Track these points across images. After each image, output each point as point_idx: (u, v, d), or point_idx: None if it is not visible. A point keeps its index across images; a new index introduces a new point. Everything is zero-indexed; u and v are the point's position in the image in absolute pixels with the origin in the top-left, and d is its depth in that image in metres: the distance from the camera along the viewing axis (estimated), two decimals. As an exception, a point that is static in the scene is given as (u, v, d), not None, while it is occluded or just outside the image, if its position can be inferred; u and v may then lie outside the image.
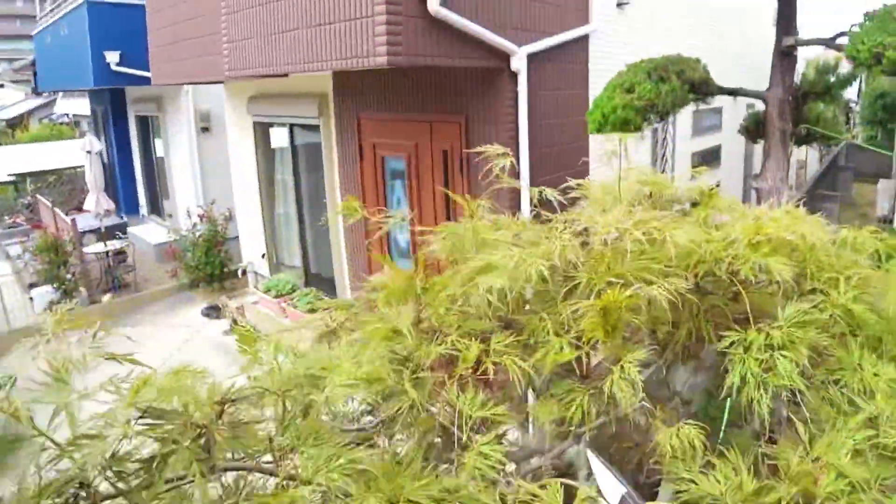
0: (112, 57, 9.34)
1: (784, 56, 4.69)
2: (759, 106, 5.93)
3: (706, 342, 1.33)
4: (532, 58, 5.01)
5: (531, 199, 2.15)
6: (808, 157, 13.85)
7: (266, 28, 4.97)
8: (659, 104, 4.10)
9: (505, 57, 4.84)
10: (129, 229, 11.75)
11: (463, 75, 5.07)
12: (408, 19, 3.98)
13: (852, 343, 1.24)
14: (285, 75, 5.71)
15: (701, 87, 4.52)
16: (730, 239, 1.27)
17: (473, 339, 1.17)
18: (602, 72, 5.55)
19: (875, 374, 1.13)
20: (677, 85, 4.16)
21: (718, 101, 9.91)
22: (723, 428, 1.34)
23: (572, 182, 1.45)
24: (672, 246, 1.16)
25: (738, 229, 1.28)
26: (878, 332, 1.28)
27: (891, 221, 9.19)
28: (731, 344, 1.16)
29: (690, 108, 8.56)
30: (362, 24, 4.00)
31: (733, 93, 5.06)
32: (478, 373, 1.15)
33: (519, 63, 4.88)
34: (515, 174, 4.54)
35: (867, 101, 13.33)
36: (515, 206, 4.78)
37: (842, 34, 4.17)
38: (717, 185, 1.68)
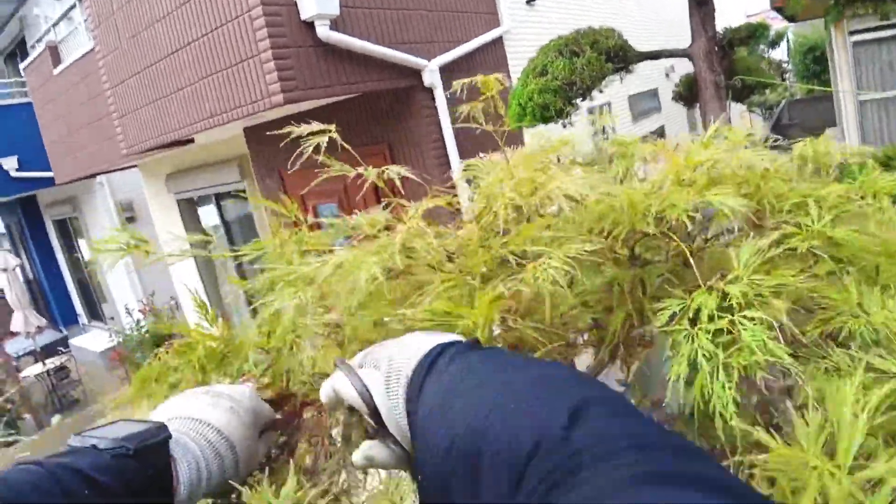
0: (9, 163, 8.71)
1: (700, 4, 4.50)
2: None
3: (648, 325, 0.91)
4: (445, 69, 4.74)
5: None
6: (754, 125, 14.15)
7: (154, 93, 4.56)
8: (577, 80, 3.82)
9: (416, 74, 4.55)
10: (71, 341, 10.99)
11: (378, 100, 4.74)
12: (298, 51, 3.63)
13: (848, 283, 0.84)
14: (190, 140, 5.29)
15: (619, 56, 4.28)
16: (656, 184, 0.89)
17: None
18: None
19: (888, 313, 0.77)
20: (592, 56, 3.91)
21: (653, 81, 10.00)
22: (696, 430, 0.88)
23: (463, 163, 1.02)
24: (564, 204, 0.80)
25: (663, 169, 0.91)
26: (873, 260, 0.92)
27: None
28: (672, 317, 0.73)
29: (625, 93, 8.52)
30: (250, 65, 3.64)
31: (655, 56, 4.87)
32: None
33: (432, 77, 4.59)
34: (452, 189, 4.22)
35: (798, 57, 13.78)
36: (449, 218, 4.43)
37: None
38: (650, 135, 1.20)
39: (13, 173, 8.87)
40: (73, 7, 6.44)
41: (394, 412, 0.54)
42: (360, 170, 0.97)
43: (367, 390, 0.56)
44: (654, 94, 10.06)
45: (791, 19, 4.04)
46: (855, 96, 5.22)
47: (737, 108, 10.31)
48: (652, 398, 1.27)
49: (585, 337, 0.97)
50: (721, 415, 0.65)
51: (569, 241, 0.78)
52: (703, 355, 0.68)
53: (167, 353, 0.85)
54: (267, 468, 0.71)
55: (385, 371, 0.57)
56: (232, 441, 0.63)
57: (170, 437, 0.58)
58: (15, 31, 10.54)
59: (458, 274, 0.78)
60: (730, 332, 0.70)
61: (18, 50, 10.60)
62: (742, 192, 0.87)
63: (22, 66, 7.87)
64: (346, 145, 0.87)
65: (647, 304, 0.86)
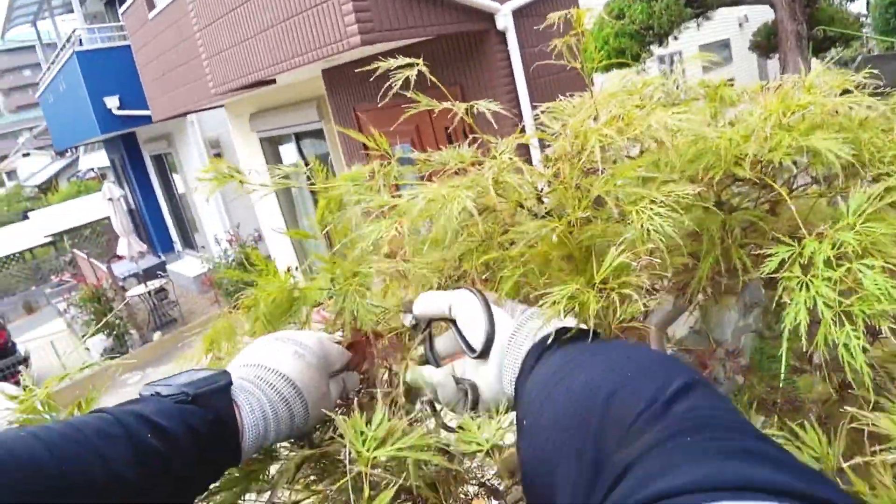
0: (112, 102, 9.41)
1: (788, -49, 4.19)
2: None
3: (742, 272, 0.86)
4: (518, 13, 4.68)
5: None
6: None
7: (239, 35, 4.81)
8: (654, 24, 3.70)
9: (489, 17, 4.53)
10: (168, 266, 11.98)
11: (450, 44, 4.78)
12: (374, -7, 3.73)
13: None
14: (273, 81, 5.56)
15: (698, 1, 4.08)
16: (752, 127, 0.80)
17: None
18: (598, 12, 5.16)
19: None
20: (671, 1, 3.75)
21: (725, 32, 9.34)
22: (782, 379, 0.85)
23: (543, 106, 0.94)
24: (665, 141, 0.73)
25: (758, 114, 0.83)
26: None
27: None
28: (782, 264, 0.69)
29: (697, 42, 8.02)
30: (329, 6, 3.78)
31: (735, 2, 4.58)
32: None
33: (505, 21, 4.56)
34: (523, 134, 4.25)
35: (878, 11, 12.33)
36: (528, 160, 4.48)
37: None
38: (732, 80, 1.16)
39: (115, 111, 9.57)
40: (165, -50, 6.75)
41: (506, 368, 0.56)
42: (447, 104, 0.93)
43: (493, 331, 0.56)
44: (726, 44, 9.41)
45: None
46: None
47: (814, 64, 9.45)
48: (726, 347, 1.24)
49: (665, 283, 0.94)
50: (850, 364, 0.60)
51: (667, 184, 0.73)
52: (825, 303, 0.64)
53: (234, 309, 0.85)
54: (356, 400, 0.73)
55: (518, 322, 0.57)
56: (298, 386, 0.62)
57: (230, 383, 0.58)
58: (113, -26, 11.10)
59: (552, 218, 0.74)
60: (843, 281, 0.65)
61: (117, -7, 11.21)
62: (842, 140, 0.80)
63: (120, 10, 8.38)
64: (433, 79, 0.83)
65: (735, 252, 0.83)
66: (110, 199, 9.76)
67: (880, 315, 0.61)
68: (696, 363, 1.32)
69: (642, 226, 0.66)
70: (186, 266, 12.02)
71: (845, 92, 1.05)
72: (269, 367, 0.62)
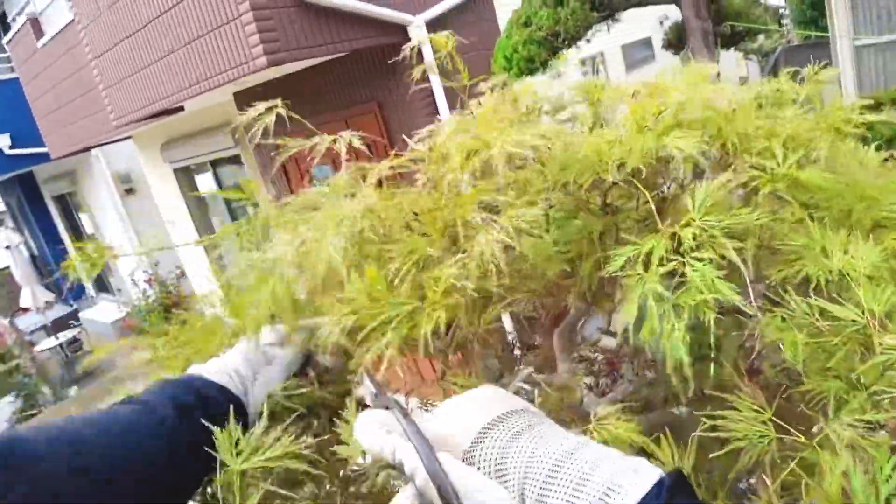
0: (2, 141, 8.67)
1: (687, -52, 4.38)
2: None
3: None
4: (432, 24, 4.64)
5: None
6: (750, 72, 13.82)
7: (138, 62, 4.50)
8: (561, 30, 3.75)
9: (402, 30, 4.46)
10: (81, 314, 11.16)
11: (366, 60, 4.67)
12: (279, 11, 3.57)
13: (812, 227, 0.81)
14: (181, 109, 5.25)
15: (604, 4, 4.19)
16: (617, 132, 0.85)
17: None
18: (510, 22, 5.21)
19: (850, 258, 0.74)
20: (577, 6, 3.82)
21: (647, 29, 9.77)
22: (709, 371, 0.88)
23: (421, 132, 1.00)
24: (539, 160, 0.80)
25: (624, 116, 0.89)
26: (844, 203, 0.88)
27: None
28: (626, 262, 0.71)
29: (619, 42, 8.34)
30: (232, 27, 3.58)
31: (640, 3, 4.76)
32: None
33: (418, 33, 4.50)
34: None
35: (795, 3, 13.36)
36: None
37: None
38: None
39: (7, 150, 8.84)
40: (50, -24, 6.29)
41: None
42: (317, 139, 0.98)
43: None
44: (647, 43, 9.85)
45: None
46: (852, 41, 5.10)
47: (733, 56, 10.07)
48: (636, 344, 1.27)
49: (561, 285, 0.95)
50: (673, 356, 0.64)
51: (535, 193, 0.78)
52: (653, 297, 0.66)
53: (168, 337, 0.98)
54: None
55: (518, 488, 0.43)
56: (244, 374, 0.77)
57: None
58: (-5, 3, 10.31)
59: (420, 236, 0.79)
60: (683, 275, 0.68)
61: (0, 24, 10.41)
62: (707, 135, 0.84)
63: (4, 40, 7.75)
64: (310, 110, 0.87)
65: (614, 252, 0.87)
66: (8, 247, 8.98)
67: (704, 305, 0.64)
68: (606, 364, 1.29)
69: (481, 251, 0.69)
70: (102, 312, 11.24)
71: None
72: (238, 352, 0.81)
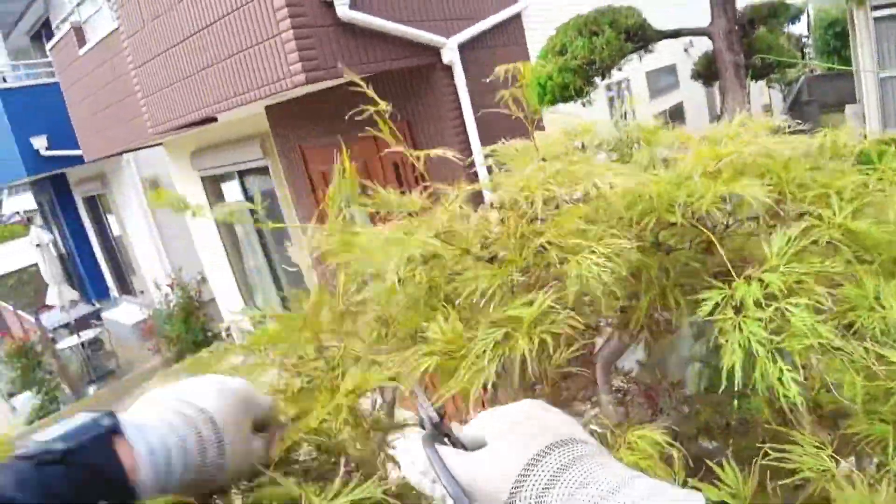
0: (39, 142, 8.92)
1: (721, -18, 4.42)
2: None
3: (677, 310, 0.93)
4: (464, 47, 4.73)
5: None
6: (772, 100, 13.79)
7: (178, 73, 4.64)
8: (596, 59, 3.80)
9: (435, 51, 4.55)
10: (103, 314, 11.34)
11: (397, 79, 4.76)
12: (318, 30, 3.67)
13: (862, 275, 0.84)
14: (214, 119, 5.38)
15: (638, 35, 4.24)
16: (683, 175, 0.88)
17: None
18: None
19: None
20: (612, 35, 3.88)
21: (671, 57, 9.80)
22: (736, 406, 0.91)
23: (486, 149, 1.02)
24: (609, 195, 0.81)
25: (689, 160, 0.91)
26: (891, 252, 0.90)
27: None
28: (716, 307, 0.74)
29: (644, 69, 8.38)
30: (272, 44, 3.69)
31: (675, 34, 4.80)
32: None
33: (451, 55, 4.58)
34: (472, 172, 4.24)
35: (818, 32, 13.34)
36: (479, 202, 4.48)
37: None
38: (667, 120, 1.20)
39: (43, 152, 9.08)
40: (96, -13, 6.53)
41: None
42: (399, 148, 0.98)
43: None
44: (672, 70, 9.87)
45: None
46: (876, 73, 5.08)
47: (756, 84, 10.04)
48: (671, 379, 1.29)
49: (610, 321, 0.99)
50: (785, 396, 0.66)
51: (606, 234, 0.78)
52: (759, 342, 0.69)
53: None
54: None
55: None
56: (217, 421, 0.60)
57: (115, 425, 0.55)
58: (40, 11, 10.67)
59: (496, 265, 0.79)
60: (772, 320, 0.71)
61: (44, 30, 10.76)
62: (765, 182, 0.88)
63: (48, 46, 8.01)
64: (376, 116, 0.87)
65: (670, 291, 0.90)
66: (38, 245, 9.20)
67: (809, 350, 0.67)
68: (643, 396, 1.31)
69: (580, 274, 0.70)
70: (124, 313, 11.41)
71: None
72: (186, 400, 0.60)
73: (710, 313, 0.74)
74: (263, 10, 3.65)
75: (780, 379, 0.67)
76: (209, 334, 9.33)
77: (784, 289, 0.72)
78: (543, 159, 0.92)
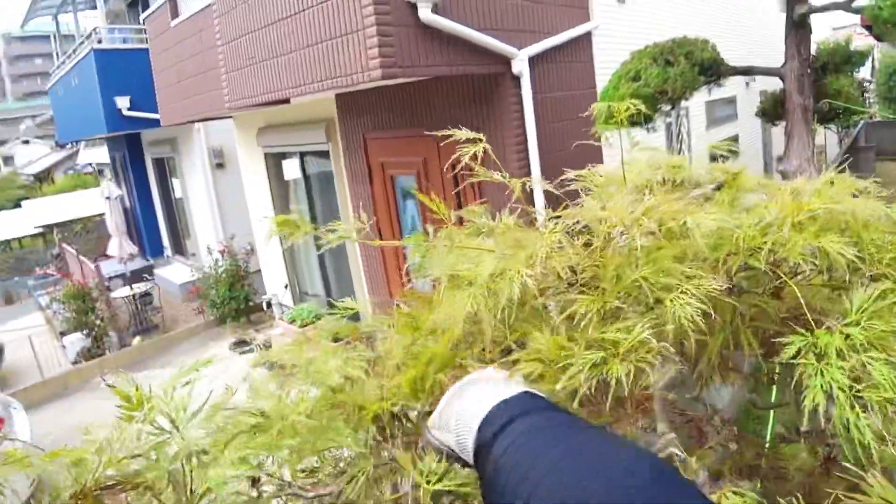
0: (122, 102, 9.47)
1: (798, 26, 4.39)
2: (773, 88, 5.62)
3: (743, 350, 0.98)
4: (534, 60, 4.84)
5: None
6: (827, 141, 13.39)
7: (261, 54, 4.91)
8: (668, 89, 3.86)
9: (505, 61, 4.67)
10: (156, 271, 11.89)
11: (465, 83, 4.92)
12: (399, 29, 3.85)
13: None
14: (287, 101, 5.65)
15: (711, 68, 4.27)
16: (766, 222, 0.94)
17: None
18: (609, 68, 5.34)
19: None
20: (686, 67, 3.92)
21: (731, 89, 9.67)
22: (767, 445, 0.96)
23: (571, 173, 1.09)
24: (698, 236, 0.87)
25: (774, 209, 0.96)
26: None
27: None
28: (798, 352, 0.80)
29: (703, 99, 8.31)
30: (354, 38, 3.89)
31: (747, 72, 4.79)
32: None
33: (520, 66, 4.70)
34: (529, 189, 4.34)
35: (882, 78, 12.91)
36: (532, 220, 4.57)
37: (858, -5, 3.89)
38: (732, 148, 1.28)
39: (124, 111, 9.63)
40: (194, -37, 6.92)
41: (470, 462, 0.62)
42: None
43: (448, 448, 0.65)
44: (731, 101, 9.74)
45: (879, 38, 3.88)
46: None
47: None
48: (722, 416, 1.32)
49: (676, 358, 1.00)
50: (860, 441, 0.69)
51: (695, 275, 0.83)
52: (840, 388, 0.72)
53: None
54: None
55: (455, 431, 0.63)
56: None
57: None
58: (138, -22, 11.31)
59: (588, 292, 0.86)
60: (853, 370, 0.75)
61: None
62: (846, 241, 0.92)
63: (143, 15, 8.52)
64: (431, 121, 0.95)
65: (743, 333, 0.94)
66: (108, 198, 9.74)
67: (887, 402, 0.71)
68: (693, 428, 1.37)
69: (674, 312, 0.76)
70: (175, 272, 11.92)
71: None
72: None
73: (793, 357, 0.79)
74: (351, 5, 3.86)
75: (856, 424, 0.70)
76: (251, 304, 9.65)
77: (865, 343, 0.76)
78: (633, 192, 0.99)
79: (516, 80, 4.72)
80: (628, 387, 0.73)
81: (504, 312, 0.87)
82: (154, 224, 13.05)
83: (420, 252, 1.06)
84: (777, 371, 1.00)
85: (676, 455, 0.89)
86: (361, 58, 3.85)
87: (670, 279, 0.82)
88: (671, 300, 0.78)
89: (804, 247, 0.87)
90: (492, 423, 0.58)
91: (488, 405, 0.60)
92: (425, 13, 3.89)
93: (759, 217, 0.98)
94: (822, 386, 0.74)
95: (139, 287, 10.04)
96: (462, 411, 0.63)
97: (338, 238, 1.04)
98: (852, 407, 0.72)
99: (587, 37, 5.59)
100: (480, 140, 1.09)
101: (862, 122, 12.77)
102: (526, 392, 0.62)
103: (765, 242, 0.90)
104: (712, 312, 0.85)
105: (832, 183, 1.12)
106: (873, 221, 1.02)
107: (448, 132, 0.97)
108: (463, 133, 1.02)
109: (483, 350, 0.98)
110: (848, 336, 0.79)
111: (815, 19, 4.57)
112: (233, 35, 5.25)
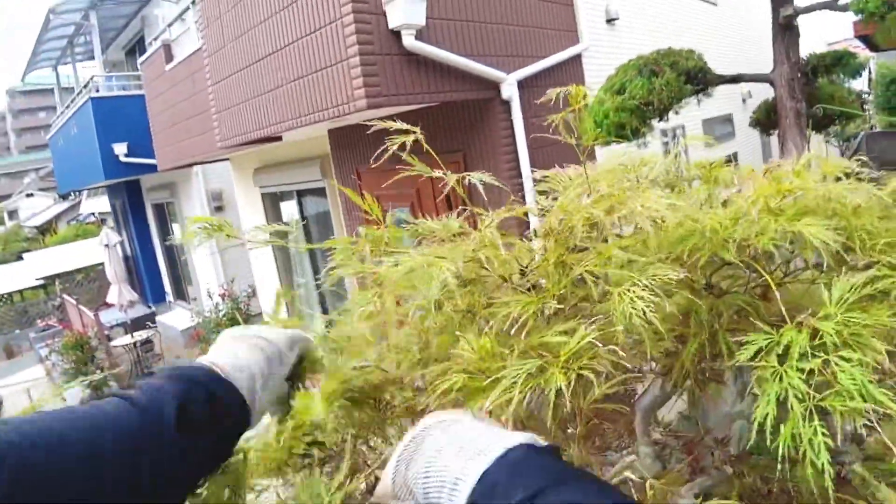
0: (120, 149, 9.54)
1: (785, 29, 4.33)
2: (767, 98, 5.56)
3: (728, 358, 0.81)
4: (523, 84, 4.80)
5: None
6: (828, 154, 13.36)
7: (250, 91, 4.90)
8: (654, 100, 3.78)
9: (494, 86, 4.64)
10: (158, 318, 11.79)
11: (455, 110, 4.87)
12: (384, 58, 3.81)
13: None
14: (278, 138, 5.63)
15: (698, 77, 4.19)
16: (741, 210, 0.80)
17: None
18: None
19: None
20: (671, 77, 3.85)
21: (729, 106, 9.67)
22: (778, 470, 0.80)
23: (537, 173, 0.98)
24: (645, 219, 0.74)
25: (747, 197, 0.83)
26: None
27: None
28: (758, 353, 0.66)
29: (701, 116, 8.30)
30: (338, 69, 3.86)
31: (735, 79, 4.72)
32: None
33: (509, 90, 4.66)
34: (522, 202, 4.26)
35: (880, 88, 12.94)
36: (525, 230, 4.47)
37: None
38: (729, 160, 1.15)
39: (122, 158, 9.69)
40: (187, 9, 7.03)
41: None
42: (439, 173, 0.95)
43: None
44: (729, 119, 9.74)
45: (875, 49, 3.83)
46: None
47: (815, 138, 9.79)
48: (715, 435, 1.17)
49: (654, 366, 0.93)
50: (812, 463, 0.58)
51: (651, 266, 0.71)
52: (796, 396, 0.61)
53: None
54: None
55: (423, 498, 0.51)
56: (272, 339, 0.73)
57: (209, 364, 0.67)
58: (137, 28, 11.57)
59: (532, 293, 0.75)
60: (821, 373, 0.62)
61: (138, 46, 11.62)
62: (832, 226, 0.79)
63: (139, 61, 8.65)
64: (430, 149, 0.87)
65: (722, 337, 0.81)
66: (106, 245, 9.72)
67: (855, 412, 0.58)
68: (684, 450, 1.22)
69: (623, 309, 0.63)
70: (176, 318, 11.83)
71: (844, 176, 1.02)
72: (256, 335, 0.74)
73: (752, 359, 0.66)
74: (334, 36, 3.84)
75: (810, 441, 0.58)
76: (252, 347, 9.51)
77: (838, 341, 0.63)
78: (591, 186, 0.87)
79: (506, 104, 4.67)
80: (570, 400, 0.59)
81: (422, 320, 0.77)
82: (155, 270, 13.02)
83: (340, 256, 0.92)
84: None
85: (630, 480, 0.78)
86: (346, 88, 3.80)
87: (623, 272, 0.70)
88: (619, 294, 0.64)
89: (778, 232, 0.75)
90: (497, 493, 0.45)
91: (479, 463, 0.47)
92: (409, 40, 3.86)
93: (735, 208, 0.85)
94: (776, 393, 0.61)
95: (140, 335, 9.94)
96: (431, 471, 0.49)
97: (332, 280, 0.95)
98: (808, 418, 0.59)
99: (577, 59, 5.57)
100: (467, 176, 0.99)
101: (862, 133, 12.73)
102: (528, 445, 0.49)
103: (735, 232, 0.77)
104: (674, 310, 0.72)
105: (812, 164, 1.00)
106: (866, 206, 0.90)
107: (436, 174, 0.88)
108: (450, 176, 0.93)
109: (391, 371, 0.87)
110: (818, 332, 0.64)
111: (808, 36, 4.53)
112: (223, 74, 5.26)
